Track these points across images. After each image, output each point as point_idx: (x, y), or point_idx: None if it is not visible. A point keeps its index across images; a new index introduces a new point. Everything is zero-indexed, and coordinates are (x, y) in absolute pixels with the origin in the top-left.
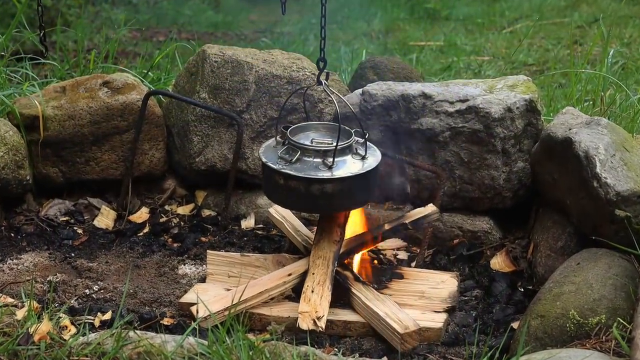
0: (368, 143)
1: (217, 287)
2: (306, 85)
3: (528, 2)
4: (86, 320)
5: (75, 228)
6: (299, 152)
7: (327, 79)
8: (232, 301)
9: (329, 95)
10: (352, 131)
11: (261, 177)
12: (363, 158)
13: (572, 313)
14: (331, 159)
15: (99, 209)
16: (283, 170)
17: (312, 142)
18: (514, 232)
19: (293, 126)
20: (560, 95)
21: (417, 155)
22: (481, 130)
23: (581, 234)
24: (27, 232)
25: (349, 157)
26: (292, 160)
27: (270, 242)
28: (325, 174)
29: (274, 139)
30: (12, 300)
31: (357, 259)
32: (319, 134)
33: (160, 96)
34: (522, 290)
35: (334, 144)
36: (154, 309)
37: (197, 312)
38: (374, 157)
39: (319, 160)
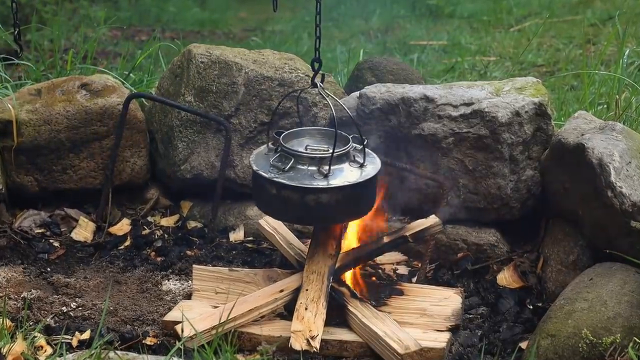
0: (367, 150)
1: (204, 304)
2: (300, 88)
3: None
4: (63, 340)
5: (51, 241)
6: (293, 160)
7: (322, 81)
8: (220, 319)
9: (325, 99)
10: (350, 137)
11: (251, 187)
12: (361, 166)
13: (585, 332)
14: (327, 167)
15: (76, 221)
16: (275, 179)
17: (306, 148)
18: (522, 246)
19: (286, 132)
20: (572, 98)
21: (418, 162)
22: (487, 136)
23: (594, 247)
24: None
25: (346, 165)
26: (285, 169)
27: (260, 255)
28: (321, 183)
29: (265, 145)
30: None
31: (354, 274)
32: (314, 140)
33: (143, 99)
34: (531, 307)
35: (330, 150)
36: (136, 327)
37: (182, 331)
38: (373, 165)
39: (314, 168)
